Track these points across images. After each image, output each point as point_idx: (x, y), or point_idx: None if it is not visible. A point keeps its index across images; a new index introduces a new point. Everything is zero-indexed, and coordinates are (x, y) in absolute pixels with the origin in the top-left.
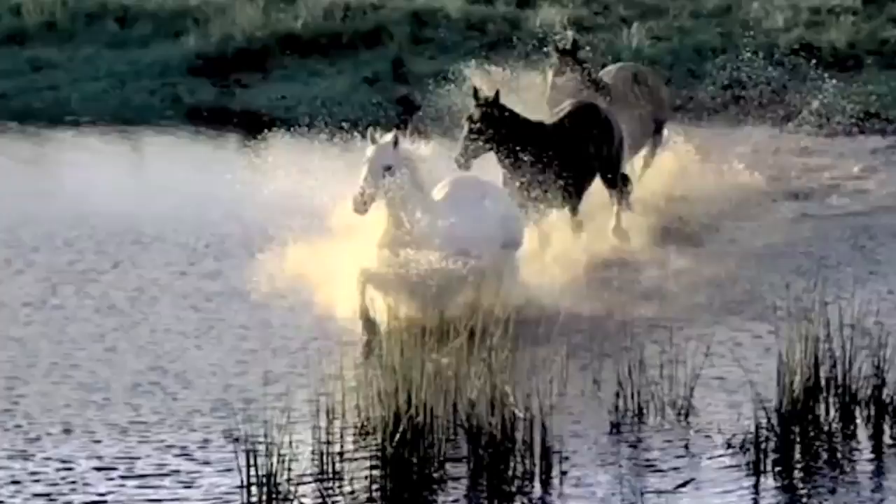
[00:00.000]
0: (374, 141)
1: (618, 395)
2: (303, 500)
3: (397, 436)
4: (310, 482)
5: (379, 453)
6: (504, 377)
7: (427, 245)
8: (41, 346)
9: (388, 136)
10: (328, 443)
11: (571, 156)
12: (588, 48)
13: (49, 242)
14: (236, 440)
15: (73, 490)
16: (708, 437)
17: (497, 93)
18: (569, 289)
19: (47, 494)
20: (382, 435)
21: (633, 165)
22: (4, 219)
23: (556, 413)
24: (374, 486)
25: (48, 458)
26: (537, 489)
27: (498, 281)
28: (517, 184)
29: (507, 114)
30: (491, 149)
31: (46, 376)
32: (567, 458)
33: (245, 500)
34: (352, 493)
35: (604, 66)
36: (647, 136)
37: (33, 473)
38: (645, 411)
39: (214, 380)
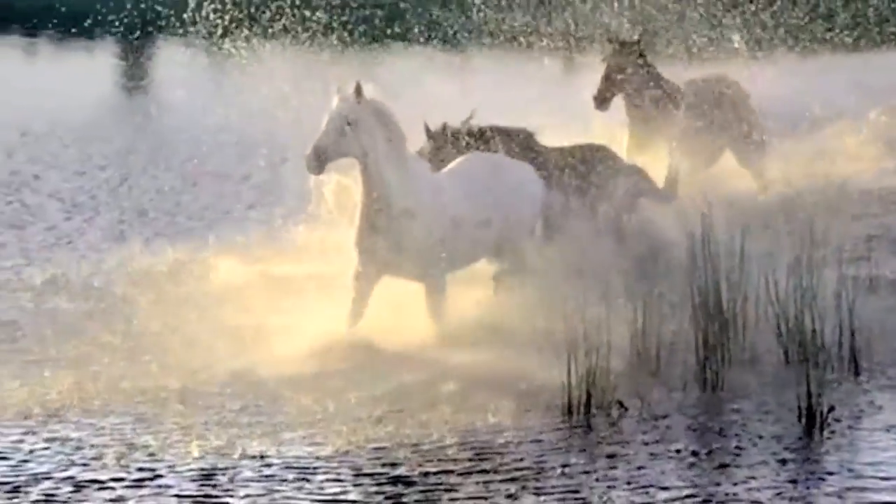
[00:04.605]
0: (339, 92)
1: None
2: (621, 393)
3: (711, 329)
4: (626, 375)
5: (692, 349)
6: (812, 279)
7: (407, 221)
8: None
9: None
10: (644, 337)
11: None
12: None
13: None
14: (558, 340)
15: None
16: None
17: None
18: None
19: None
20: (695, 329)
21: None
22: None
23: (862, 314)
24: (688, 376)
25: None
26: (846, 387)
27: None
28: None
29: None
30: None
31: None
32: (874, 360)
33: (566, 395)
34: (666, 382)
35: None
36: (715, 152)
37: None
38: None
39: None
